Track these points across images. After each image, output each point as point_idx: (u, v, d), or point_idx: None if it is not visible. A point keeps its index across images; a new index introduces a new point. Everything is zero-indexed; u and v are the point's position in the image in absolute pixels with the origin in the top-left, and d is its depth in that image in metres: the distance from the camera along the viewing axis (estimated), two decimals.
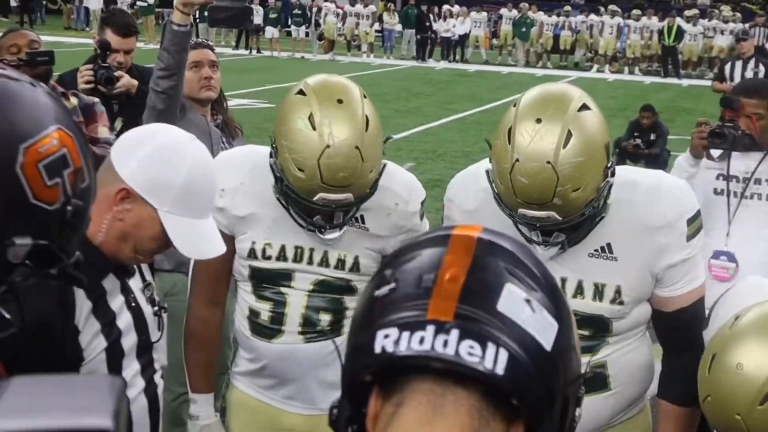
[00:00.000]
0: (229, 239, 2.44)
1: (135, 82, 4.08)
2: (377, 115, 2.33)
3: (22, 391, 0.81)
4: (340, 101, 2.24)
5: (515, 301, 0.95)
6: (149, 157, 1.87)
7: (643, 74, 26.04)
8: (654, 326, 2.35)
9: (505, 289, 0.95)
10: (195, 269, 2.59)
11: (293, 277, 2.45)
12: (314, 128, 2.20)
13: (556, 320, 0.96)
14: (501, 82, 22.28)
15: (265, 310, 2.48)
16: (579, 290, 2.22)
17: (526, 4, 28.07)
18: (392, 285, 0.98)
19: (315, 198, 2.24)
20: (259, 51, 27.52)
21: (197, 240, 1.93)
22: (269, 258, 2.44)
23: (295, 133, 2.22)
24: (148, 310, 2.02)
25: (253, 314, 2.51)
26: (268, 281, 2.47)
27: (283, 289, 2.46)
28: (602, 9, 28.18)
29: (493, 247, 1.00)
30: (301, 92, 2.28)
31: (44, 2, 35.83)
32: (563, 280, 2.20)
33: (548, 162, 1.99)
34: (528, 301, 0.95)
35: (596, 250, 2.19)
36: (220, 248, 2.00)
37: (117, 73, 4.02)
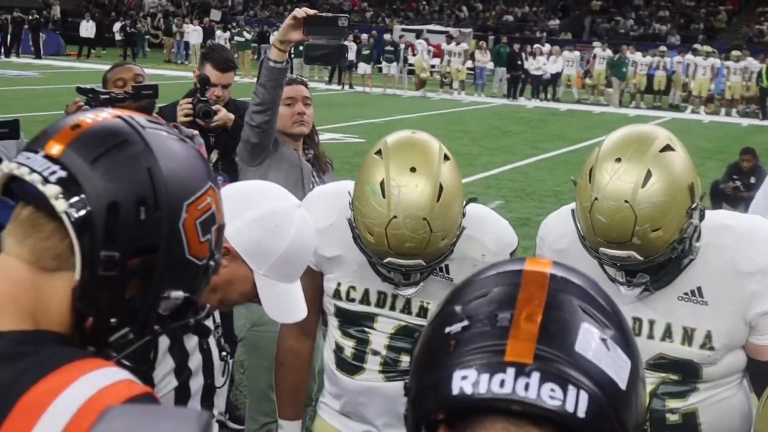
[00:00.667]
0: (318, 275, 2.50)
1: (231, 116, 4.19)
2: (457, 178, 2.25)
3: (117, 419, 0.87)
4: (413, 169, 2.16)
5: (592, 341, 0.94)
6: (256, 221, 1.88)
7: (740, 116, 25.44)
8: (749, 375, 2.28)
9: (582, 327, 0.95)
10: None
11: (376, 320, 2.46)
12: (384, 196, 2.15)
13: (628, 357, 0.96)
14: (592, 122, 22.05)
15: (348, 346, 2.51)
16: (667, 333, 2.18)
17: (624, 45, 27.77)
18: (465, 323, 0.97)
19: (385, 261, 2.23)
20: (351, 86, 27.94)
21: (285, 304, 1.96)
22: (353, 300, 2.47)
23: (366, 197, 2.19)
24: (216, 353, 2.02)
25: (339, 349, 2.54)
26: (351, 321, 2.49)
27: (366, 329, 2.48)
28: (698, 48, 27.68)
29: (566, 284, 1.00)
30: (379, 152, 2.23)
31: (146, 36, 37.03)
32: (651, 322, 2.17)
33: (626, 201, 1.97)
34: (603, 340, 0.95)
35: (686, 294, 2.15)
36: (303, 313, 2.02)
37: (215, 107, 4.14)
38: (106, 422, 0.86)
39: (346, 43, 3.16)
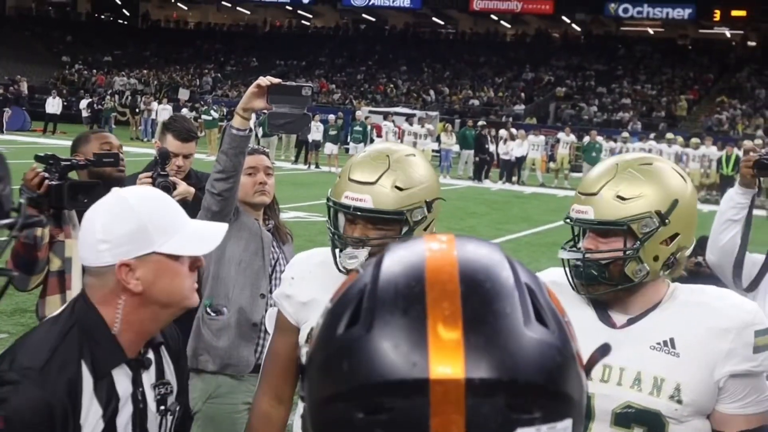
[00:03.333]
0: (294, 331, 2.53)
1: (192, 190, 4.14)
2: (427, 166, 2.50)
3: None
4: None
5: None
6: (105, 229, 1.87)
7: (701, 202, 25.86)
8: None
9: None
10: (264, 364, 2.67)
11: None
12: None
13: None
14: (556, 205, 22.27)
15: None
16: (637, 382, 2.15)
17: (594, 131, 28.35)
18: None
19: (342, 198, 2.36)
20: (317, 166, 28.08)
21: (199, 238, 1.95)
22: None
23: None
24: (152, 407, 1.99)
25: None
26: None
27: None
28: (668, 137, 28.25)
29: (487, 388, 0.87)
30: None
31: (113, 114, 37.09)
32: (621, 370, 2.16)
33: (616, 163, 2.39)
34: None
35: (659, 343, 2.16)
36: (218, 231, 2.00)
37: (174, 180, 4.10)
38: None
39: (309, 113, 3.15)
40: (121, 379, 1.92)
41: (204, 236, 1.97)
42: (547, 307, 0.95)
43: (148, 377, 2.00)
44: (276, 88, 3.13)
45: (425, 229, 2.41)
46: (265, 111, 3.23)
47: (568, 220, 2.28)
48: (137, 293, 1.87)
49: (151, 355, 2.03)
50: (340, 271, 2.40)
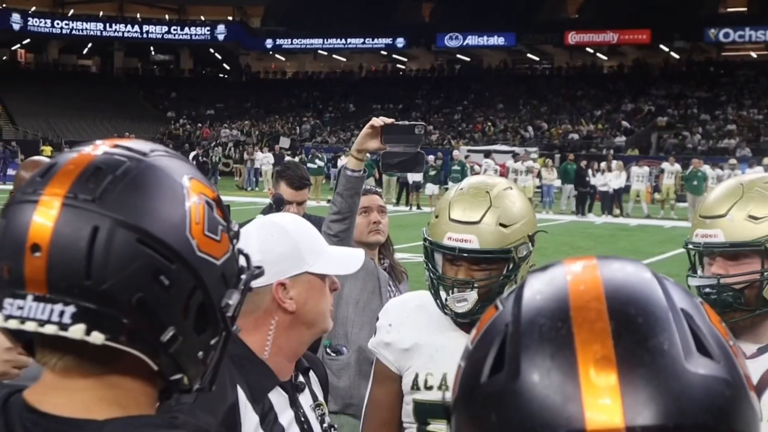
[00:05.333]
0: (396, 380, 2.49)
1: None
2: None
3: None
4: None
5: None
6: (262, 250, 1.94)
7: None
8: None
9: None
10: (365, 415, 2.62)
11: None
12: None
13: None
14: (664, 236, 21.76)
15: None
16: None
17: (696, 159, 27.56)
18: None
19: (444, 239, 2.33)
20: (419, 207, 28.17)
21: (343, 259, 2.07)
22: (430, 388, 2.42)
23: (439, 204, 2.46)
24: (317, 427, 2.04)
25: None
26: (433, 416, 2.43)
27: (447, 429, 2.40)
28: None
29: None
30: None
31: (219, 165, 38.09)
32: None
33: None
34: None
35: None
36: (357, 254, 2.11)
37: None
38: None
39: (422, 151, 3.18)
40: (281, 402, 1.97)
41: (346, 258, 2.07)
42: (708, 333, 0.86)
43: (305, 399, 2.06)
44: (389, 128, 3.17)
45: (528, 264, 2.38)
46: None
47: (690, 246, 2.21)
48: (290, 312, 1.96)
49: (301, 379, 2.09)
50: (445, 313, 2.37)
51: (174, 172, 1.12)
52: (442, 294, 2.37)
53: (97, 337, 1.04)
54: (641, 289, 0.88)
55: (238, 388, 1.89)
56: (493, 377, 0.86)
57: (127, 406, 1.10)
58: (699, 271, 2.24)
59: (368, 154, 3.25)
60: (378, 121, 3.19)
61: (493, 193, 2.35)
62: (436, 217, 2.40)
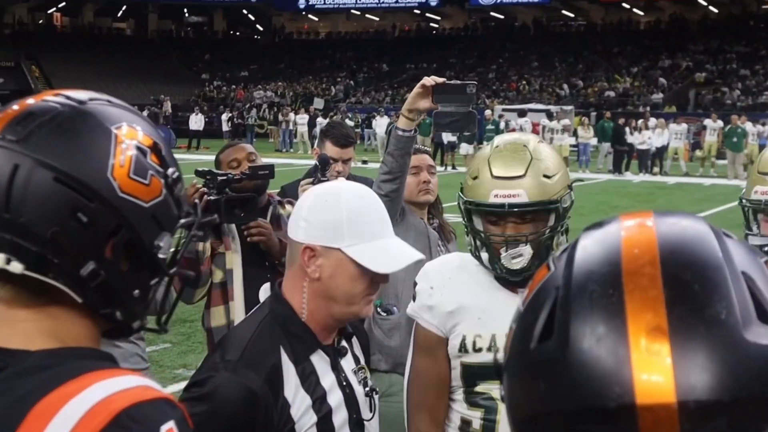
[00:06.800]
0: (444, 341, 2.46)
1: None
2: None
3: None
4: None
5: None
6: (309, 210, 1.96)
7: None
8: None
9: None
10: (411, 387, 2.57)
11: None
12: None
13: None
14: (703, 194, 21.55)
15: (476, 417, 2.43)
16: None
17: (735, 115, 27.08)
18: None
19: (489, 200, 2.31)
20: (454, 167, 28.08)
21: (385, 256, 1.95)
22: (480, 350, 2.40)
23: (472, 164, 2.45)
24: (360, 390, 2.06)
25: (465, 423, 2.45)
26: (483, 378, 2.41)
27: (494, 393, 2.39)
28: None
29: (704, 411, 0.76)
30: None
31: (254, 127, 38.15)
32: None
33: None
34: None
35: None
36: (411, 256, 1.99)
37: None
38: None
39: (474, 110, 3.16)
40: (322, 366, 1.99)
41: (393, 255, 1.97)
42: None
43: (347, 364, 2.08)
44: (440, 88, 3.16)
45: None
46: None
47: (746, 202, 2.20)
48: (314, 279, 1.94)
49: (344, 344, 2.10)
50: (498, 273, 2.36)
51: (106, 119, 1.20)
52: (487, 254, 2.37)
53: (16, 267, 1.12)
54: (699, 252, 0.83)
55: (281, 348, 1.92)
56: (542, 343, 0.84)
57: (65, 338, 1.17)
58: (754, 228, 2.22)
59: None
60: (429, 80, 3.18)
61: (531, 147, 2.35)
62: (474, 178, 2.36)
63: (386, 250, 1.96)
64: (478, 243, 2.38)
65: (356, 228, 1.93)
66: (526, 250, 2.30)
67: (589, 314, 0.81)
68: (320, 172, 4.08)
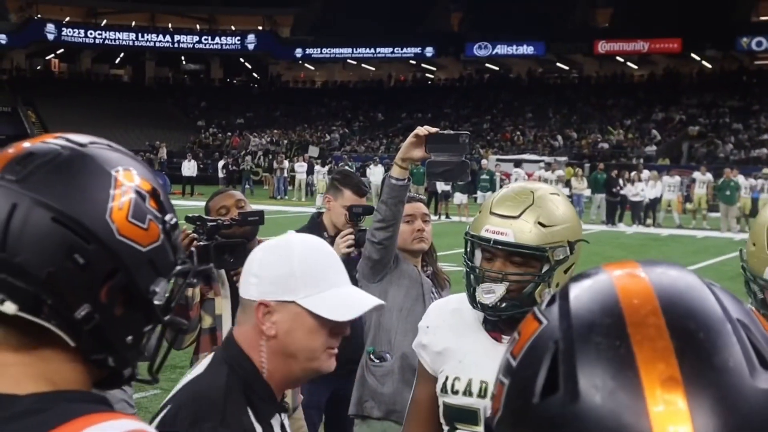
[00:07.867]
0: (433, 381, 2.54)
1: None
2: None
3: None
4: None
5: None
6: (260, 265, 1.91)
7: None
8: None
9: None
10: (408, 412, 2.68)
11: (479, 416, 2.41)
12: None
13: None
14: (696, 247, 21.60)
15: None
16: None
17: (728, 168, 27.23)
18: None
19: (482, 230, 2.37)
20: (447, 216, 28.16)
21: (341, 304, 1.90)
22: (456, 393, 2.46)
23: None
24: None
25: None
26: (458, 420, 2.46)
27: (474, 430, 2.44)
28: None
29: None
30: None
31: (251, 174, 38.26)
32: None
33: None
34: None
35: None
36: (369, 303, 1.95)
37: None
38: None
39: (467, 160, 3.20)
40: (276, 425, 1.93)
41: (350, 303, 1.92)
42: (766, 343, 0.83)
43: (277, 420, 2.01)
44: (434, 137, 3.20)
45: (565, 272, 2.38)
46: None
47: (762, 281, 2.18)
48: (271, 336, 1.88)
49: (286, 399, 2.07)
50: (474, 307, 2.40)
51: (106, 162, 1.20)
52: (476, 288, 2.42)
53: (9, 308, 1.11)
54: (697, 300, 0.84)
55: (249, 409, 1.85)
56: (547, 398, 0.82)
57: (57, 382, 1.15)
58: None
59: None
60: (423, 130, 3.22)
61: (537, 194, 2.39)
62: (480, 212, 2.45)
63: (343, 299, 1.91)
64: (472, 279, 2.42)
65: (310, 279, 1.88)
66: (499, 288, 2.34)
67: (598, 367, 0.80)
68: (355, 223, 4.13)
